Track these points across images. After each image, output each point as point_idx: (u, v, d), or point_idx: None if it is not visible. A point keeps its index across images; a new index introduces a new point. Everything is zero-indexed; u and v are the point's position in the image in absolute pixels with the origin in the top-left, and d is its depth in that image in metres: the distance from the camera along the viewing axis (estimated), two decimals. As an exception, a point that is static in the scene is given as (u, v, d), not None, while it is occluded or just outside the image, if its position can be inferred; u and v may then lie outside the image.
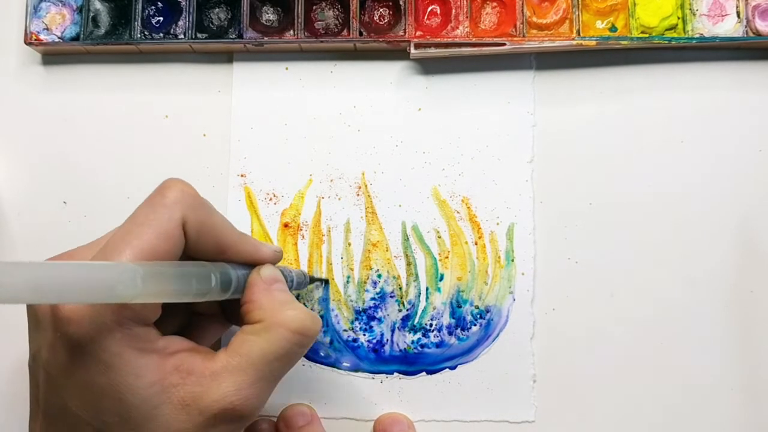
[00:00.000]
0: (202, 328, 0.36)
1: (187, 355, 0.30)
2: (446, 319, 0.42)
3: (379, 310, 0.42)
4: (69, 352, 0.29)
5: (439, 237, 0.42)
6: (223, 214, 0.33)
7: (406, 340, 0.42)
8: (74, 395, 0.29)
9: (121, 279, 0.26)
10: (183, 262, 0.31)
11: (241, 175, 0.43)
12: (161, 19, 0.43)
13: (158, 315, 0.30)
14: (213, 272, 0.31)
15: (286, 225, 0.43)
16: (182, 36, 0.43)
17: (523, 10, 0.42)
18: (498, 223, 0.42)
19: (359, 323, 0.42)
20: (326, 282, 0.42)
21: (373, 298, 0.42)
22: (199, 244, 0.31)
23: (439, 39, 0.42)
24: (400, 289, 0.42)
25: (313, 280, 0.41)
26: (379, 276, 0.42)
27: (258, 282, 0.33)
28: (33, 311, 0.31)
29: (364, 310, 0.42)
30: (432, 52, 0.42)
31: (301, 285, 0.39)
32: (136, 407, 0.29)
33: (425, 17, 0.43)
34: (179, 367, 0.30)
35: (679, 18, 0.42)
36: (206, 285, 0.30)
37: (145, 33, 0.43)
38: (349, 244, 0.42)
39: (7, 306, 0.42)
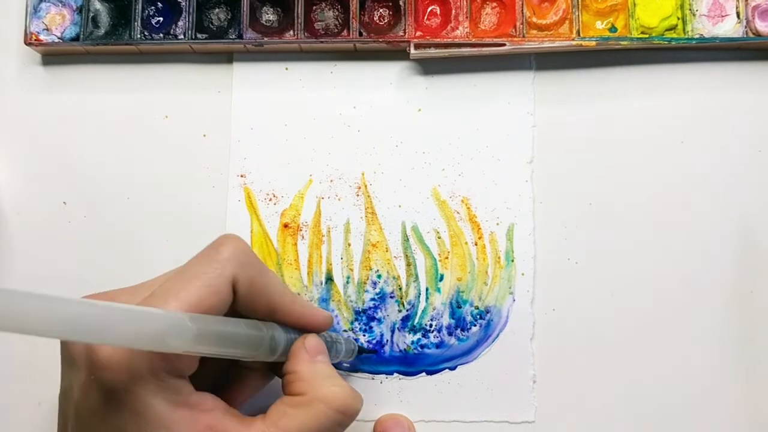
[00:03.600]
0: (242, 381, 0.35)
1: (221, 415, 0.30)
2: (446, 320, 0.42)
3: (378, 310, 0.42)
4: (102, 397, 0.28)
5: (439, 237, 0.42)
6: (275, 274, 0.33)
7: (405, 340, 0.42)
8: None
9: (172, 330, 0.26)
10: (235, 320, 0.30)
11: (241, 176, 0.43)
12: (161, 19, 0.43)
13: (194, 369, 0.30)
14: (264, 334, 0.31)
15: (285, 225, 0.42)
16: (182, 36, 0.43)
17: (523, 10, 0.42)
18: (498, 224, 0.42)
19: (359, 324, 0.42)
20: (375, 352, 0.41)
21: (372, 299, 0.42)
22: (249, 302, 0.31)
23: (439, 39, 0.42)
24: (400, 289, 0.42)
25: (362, 351, 0.40)
26: (379, 276, 0.42)
27: (301, 352, 0.33)
28: (67, 349, 0.30)
29: (364, 311, 0.42)
30: (432, 52, 0.42)
31: (349, 355, 0.38)
32: None
33: (425, 17, 0.43)
34: (213, 427, 0.29)
35: (678, 18, 0.42)
36: (255, 345, 0.30)
37: (145, 33, 0.43)
38: (349, 245, 0.42)
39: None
